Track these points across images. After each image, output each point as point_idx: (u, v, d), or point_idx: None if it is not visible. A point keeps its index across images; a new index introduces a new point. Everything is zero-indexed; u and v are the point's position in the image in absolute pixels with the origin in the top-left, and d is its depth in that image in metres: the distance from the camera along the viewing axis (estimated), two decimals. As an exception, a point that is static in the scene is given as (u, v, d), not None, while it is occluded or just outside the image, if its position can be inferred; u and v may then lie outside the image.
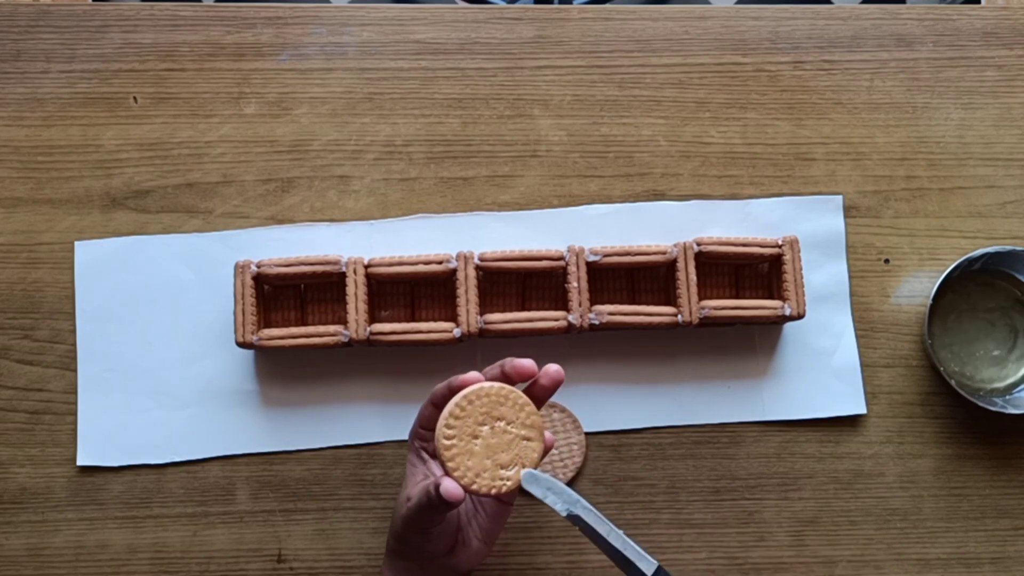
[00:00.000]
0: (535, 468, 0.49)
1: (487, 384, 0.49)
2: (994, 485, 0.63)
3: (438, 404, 0.51)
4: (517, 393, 0.49)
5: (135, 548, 0.61)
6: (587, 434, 0.62)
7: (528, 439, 0.49)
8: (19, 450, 0.61)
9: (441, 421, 0.48)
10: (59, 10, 0.65)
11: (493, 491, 0.48)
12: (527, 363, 0.50)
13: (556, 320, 0.59)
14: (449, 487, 0.47)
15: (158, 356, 0.62)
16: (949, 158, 0.66)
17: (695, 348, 0.63)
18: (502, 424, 0.48)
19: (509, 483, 0.48)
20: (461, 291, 0.59)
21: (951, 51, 0.67)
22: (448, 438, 0.48)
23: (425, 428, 0.53)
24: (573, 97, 0.65)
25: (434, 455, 0.52)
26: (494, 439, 0.48)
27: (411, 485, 0.51)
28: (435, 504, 0.47)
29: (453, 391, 0.50)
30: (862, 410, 0.63)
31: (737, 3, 1.39)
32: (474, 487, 0.48)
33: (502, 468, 0.48)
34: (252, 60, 0.65)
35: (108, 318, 0.62)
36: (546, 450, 0.50)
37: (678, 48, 0.66)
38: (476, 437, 0.48)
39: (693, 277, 0.60)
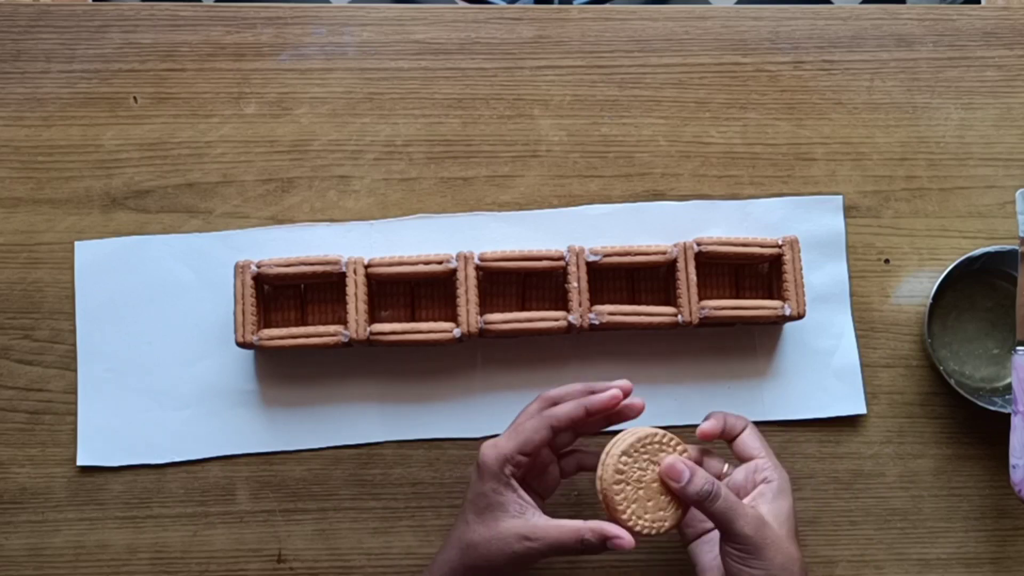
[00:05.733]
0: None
1: (647, 430, 0.51)
2: (994, 485, 0.63)
3: (562, 428, 0.51)
4: (672, 437, 0.52)
5: (135, 548, 0.61)
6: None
7: None
8: (19, 450, 0.61)
9: (610, 466, 0.49)
10: (59, 10, 0.65)
11: (653, 531, 0.50)
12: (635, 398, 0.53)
13: (556, 320, 0.59)
14: (628, 540, 0.48)
15: (158, 356, 0.62)
16: (949, 158, 0.66)
17: (695, 348, 0.63)
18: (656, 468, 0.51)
19: (667, 524, 0.50)
20: (461, 291, 0.59)
21: (951, 51, 0.67)
22: (618, 483, 0.49)
23: (528, 455, 0.51)
24: (573, 97, 0.65)
25: (517, 476, 0.52)
26: (655, 483, 0.50)
27: (506, 517, 0.50)
28: (592, 550, 0.48)
29: (591, 414, 0.51)
30: (862, 410, 0.63)
31: (737, 3, 1.39)
32: (637, 528, 0.49)
33: (661, 510, 0.50)
34: (252, 60, 0.65)
35: (108, 318, 0.62)
36: None
37: (678, 48, 0.66)
38: (641, 481, 0.50)
39: (693, 277, 0.60)
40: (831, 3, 1.33)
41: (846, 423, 0.63)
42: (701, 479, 0.49)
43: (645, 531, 0.49)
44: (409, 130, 0.65)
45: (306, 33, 0.65)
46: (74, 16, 0.65)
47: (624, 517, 0.49)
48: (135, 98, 0.64)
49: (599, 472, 0.50)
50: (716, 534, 0.52)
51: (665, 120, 0.65)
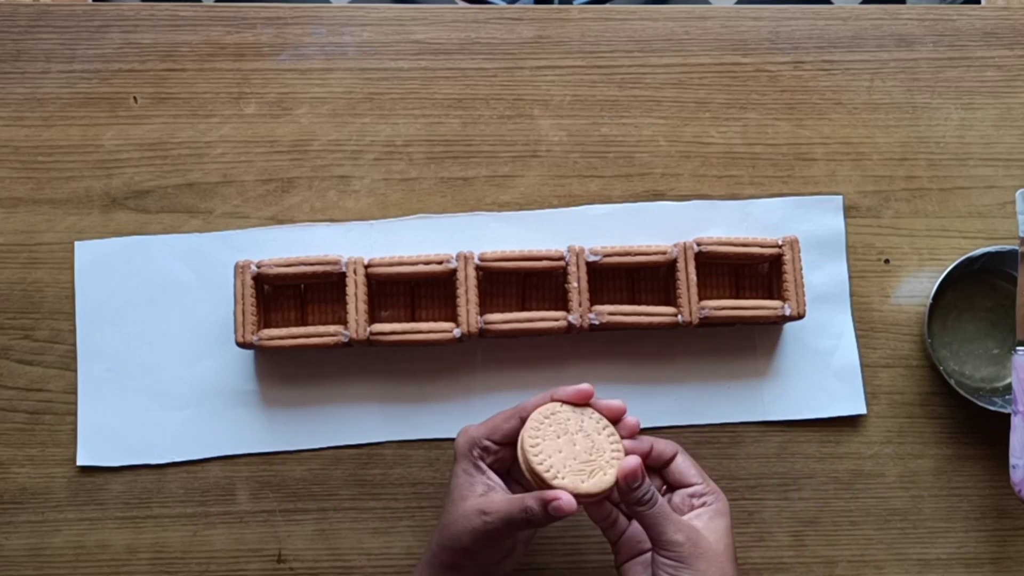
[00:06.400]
0: (613, 481, 0.51)
1: (570, 404, 0.53)
2: (994, 485, 0.63)
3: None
4: (599, 414, 0.53)
5: (135, 548, 0.61)
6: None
7: (614, 455, 0.51)
8: (19, 450, 0.61)
9: (528, 424, 0.51)
10: (59, 10, 0.65)
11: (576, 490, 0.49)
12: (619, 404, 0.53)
13: (556, 320, 0.59)
14: (566, 503, 0.48)
15: (158, 356, 0.62)
16: (949, 158, 0.66)
17: (695, 348, 0.63)
18: (582, 434, 0.51)
19: (584, 486, 0.50)
20: (461, 291, 0.59)
21: (951, 51, 0.67)
22: (533, 437, 0.50)
23: (497, 442, 0.52)
24: (573, 97, 0.65)
25: (497, 466, 0.53)
26: (577, 445, 0.51)
27: (472, 496, 0.51)
28: (536, 519, 0.48)
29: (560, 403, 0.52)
30: (862, 410, 0.63)
31: (737, 3, 1.39)
32: (555, 482, 0.49)
33: (580, 473, 0.50)
34: (252, 60, 0.65)
35: (108, 318, 0.62)
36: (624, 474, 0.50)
37: (678, 48, 0.66)
38: (559, 439, 0.51)
39: (693, 277, 0.60)
40: (831, 3, 1.33)
41: (846, 423, 0.63)
42: (647, 485, 0.49)
43: (567, 485, 0.49)
44: (409, 130, 0.65)
45: (306, 33, 0.65)
46: (74, 16, 0.65)
47: (542, 468, 0.49)
48: (135, 98, 0.64)
49: (520, 435, 0.51)
50: (649, 556, 0.52)
51: (665, 120, 0.65)
